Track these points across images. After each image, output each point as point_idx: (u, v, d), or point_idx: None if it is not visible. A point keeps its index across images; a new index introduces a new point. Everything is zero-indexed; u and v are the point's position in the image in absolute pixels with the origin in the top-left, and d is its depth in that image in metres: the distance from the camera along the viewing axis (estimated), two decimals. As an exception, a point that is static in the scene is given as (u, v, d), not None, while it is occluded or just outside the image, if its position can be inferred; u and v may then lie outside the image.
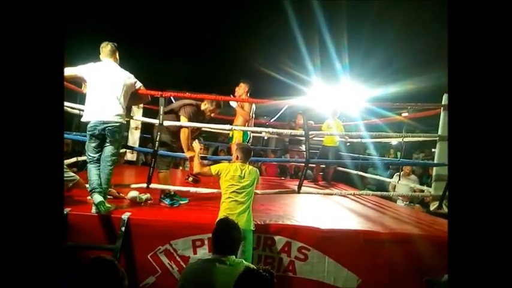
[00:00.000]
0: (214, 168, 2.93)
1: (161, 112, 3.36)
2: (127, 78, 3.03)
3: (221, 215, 2.71)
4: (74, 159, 4.67)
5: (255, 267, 1.76)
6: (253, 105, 4.64)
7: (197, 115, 3.59)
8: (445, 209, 4.41)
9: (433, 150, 5.94)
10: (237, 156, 2.98)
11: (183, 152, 3.51)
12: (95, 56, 3.08)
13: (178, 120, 3.50)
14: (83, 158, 4.50)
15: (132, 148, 5.32)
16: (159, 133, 3.36)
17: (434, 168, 4.10)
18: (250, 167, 2.96)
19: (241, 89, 4.50)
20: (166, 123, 3.38)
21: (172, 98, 3.77)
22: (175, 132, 3.52)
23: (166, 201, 3.41)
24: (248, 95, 4.54)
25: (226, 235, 2.05)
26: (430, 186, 4.21)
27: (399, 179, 5.34)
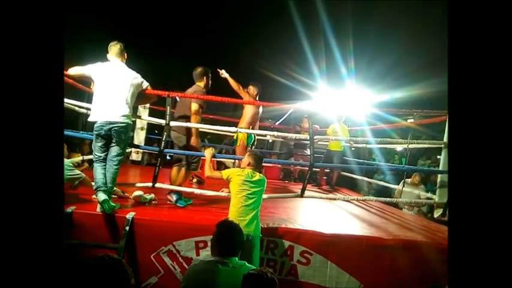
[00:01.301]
0: (225, 173, 2.89)
1: (168, 112, 3.39)
2: (134, 78, 3.06)
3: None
4: (80, 158, 4.72)
5: (258, 270, 1.76)
6: (260, 109, 4.66)
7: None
8: (449, 217, 4.37)
9: (438, 157, 5.90)
10: (249, 163, 2.92)
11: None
12: (100, 55, 3.11)
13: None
14: (89, 156, 4.55)
15: (138, 147, 5.35)
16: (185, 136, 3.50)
17: (439, 175, 4.07)
18: (260, 174, 2.93)
19: (250, 92, 4.55)
20: (172, 123, 3.42)
21: (177, 98, 3.81)
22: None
23: (174, 196, 3.47)
24: (257, 98, 4.57)
25: (229, 237, 2.06)
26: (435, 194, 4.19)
27: (404, 186, 5.32)
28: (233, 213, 2.72)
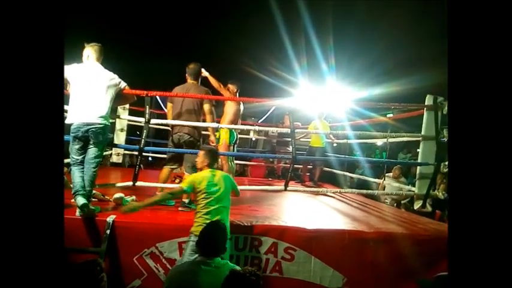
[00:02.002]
0: (186, 184, 2.66)
1: (147, 111, 3.35)
2: (111, 79, 3.00)
3: (196, 226, 2.54)
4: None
5: (241, 270, 1.76)
6: (241, 106, 4.66)
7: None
8: (429, 208, 4.50)
9: (418, 150, 6.06)
10: (207, 163, 2.74)
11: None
12: (77, 55, 3.04)
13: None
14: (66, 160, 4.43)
15: (116, 146, 5.24)
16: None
17: (418, 167, 4.17)
18: (221, 172, 2.81)
19: (230, 89, 4.52)
20: (154, 121, 3.40)
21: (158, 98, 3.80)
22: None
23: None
24: (237, 95, 4.57)
25: (211, 237, 2.05)
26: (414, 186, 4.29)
27: (384, 179, 5.43)
28: (200, 219, 2.56)
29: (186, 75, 3.76)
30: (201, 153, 2.82)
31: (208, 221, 2.50)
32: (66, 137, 3.14)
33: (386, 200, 5.79)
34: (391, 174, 5.89)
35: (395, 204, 5.73)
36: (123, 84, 3.11)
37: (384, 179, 5.43)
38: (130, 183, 3.35)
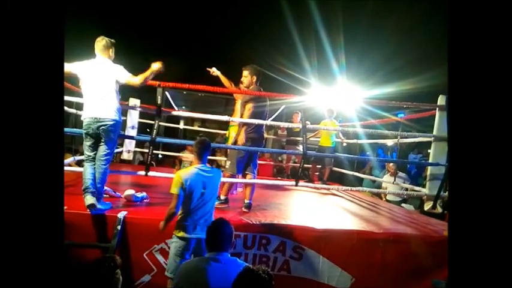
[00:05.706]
0: (173, 186, 2.45)
1: (159, 101, 3.39)
2: (119, 72, 2.94)
3: (175, 229, 2.52)
4: (71, 159, 4.66)
5: (254, 268, 1.76)
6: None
7: None
8: (439, 209, 4.44)
9: (428, 151, 6.00)
10: (195, 154, 2.57)
11: None
12: (89, 52, 3.06)
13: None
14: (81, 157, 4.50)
15: (128, 137, 5.27)
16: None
17: (429, 168, 4.13)
18: (213, 169, 2.61)
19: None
20: (165, 110, 3.42)
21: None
22: None
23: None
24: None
25: (217, 232, 2.05)
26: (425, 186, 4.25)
27: (395, 180, 5.39)
28: (179, 222, 2.52)
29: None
30: (194, 143, 2.64)
31: (185, 226, 2.48)
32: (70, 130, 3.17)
33: (394, 199, 5.74)
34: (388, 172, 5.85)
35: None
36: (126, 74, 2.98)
37: (395, 180, 5.38)
38: (142, 172, 3.39)
